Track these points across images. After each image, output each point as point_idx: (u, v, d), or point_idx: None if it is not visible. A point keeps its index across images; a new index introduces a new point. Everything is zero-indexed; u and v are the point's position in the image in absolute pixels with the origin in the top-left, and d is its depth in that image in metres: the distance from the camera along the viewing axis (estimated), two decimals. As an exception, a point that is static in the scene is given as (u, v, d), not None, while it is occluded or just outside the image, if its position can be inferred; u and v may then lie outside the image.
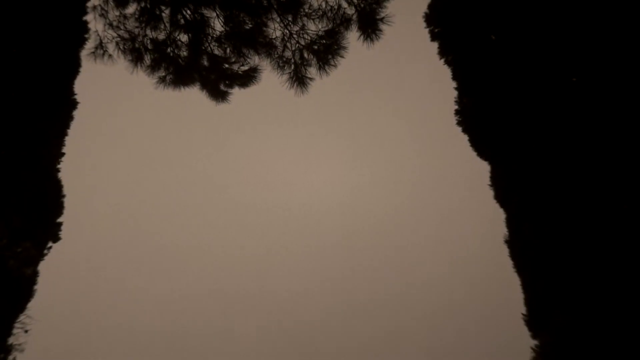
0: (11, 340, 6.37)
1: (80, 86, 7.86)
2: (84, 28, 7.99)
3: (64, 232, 7.04)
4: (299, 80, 8.40)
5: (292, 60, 8.39)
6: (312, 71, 8.43)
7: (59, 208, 7.08)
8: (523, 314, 6.58)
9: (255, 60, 9.03)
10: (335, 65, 8.26)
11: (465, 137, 7.32)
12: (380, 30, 8.19)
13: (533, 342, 6.51)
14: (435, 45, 7.72)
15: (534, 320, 6.50)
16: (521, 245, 6.65)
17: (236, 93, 9.48)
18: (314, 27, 8.45)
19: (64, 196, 7.17)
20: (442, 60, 7.70)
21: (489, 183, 7.09)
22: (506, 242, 6.84)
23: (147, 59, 9.03)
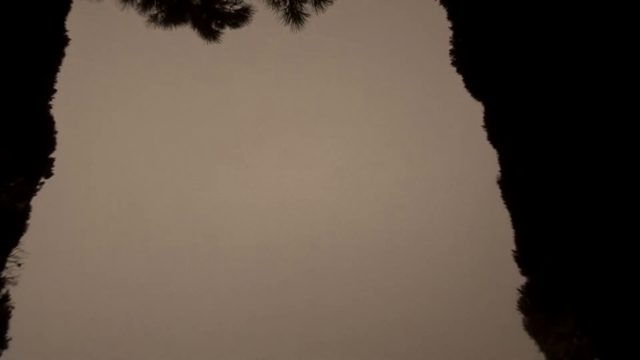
0: (4, 273, 6.38)
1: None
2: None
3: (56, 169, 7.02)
4: (295, 16, 8.30)
5: (288, -3, 8.27)
6: (308, 7, 8.32)
7: (51, 144, 7.03)
8: (513, 251, 6.67)
9: (247, -1, 8.90)
10: (331, 1, 8.17)
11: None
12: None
13: (522, 279, 6.64)
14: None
15: (523, 258, 6.59)
16: (513, 185, 6.71)
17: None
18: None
19: (55, 132, 7.11)
20: (438, 0, 7.64)
21: (483, 124, 7.11)
22: (498, 182, 6.89)
23: (139, -2, 8.87)
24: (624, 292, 5.57)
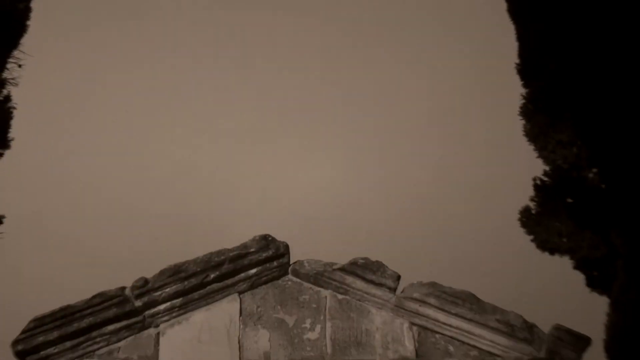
0: (5, 74, 6.33)
1: None
2: None
3: None
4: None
5: None
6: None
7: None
8: (516, 64, 6.70)
9: None
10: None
11: None
12: None
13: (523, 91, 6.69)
14: None
15: (527, 68, 6.63)
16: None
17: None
18: None
19: None
20: None
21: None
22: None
23: None
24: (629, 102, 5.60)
